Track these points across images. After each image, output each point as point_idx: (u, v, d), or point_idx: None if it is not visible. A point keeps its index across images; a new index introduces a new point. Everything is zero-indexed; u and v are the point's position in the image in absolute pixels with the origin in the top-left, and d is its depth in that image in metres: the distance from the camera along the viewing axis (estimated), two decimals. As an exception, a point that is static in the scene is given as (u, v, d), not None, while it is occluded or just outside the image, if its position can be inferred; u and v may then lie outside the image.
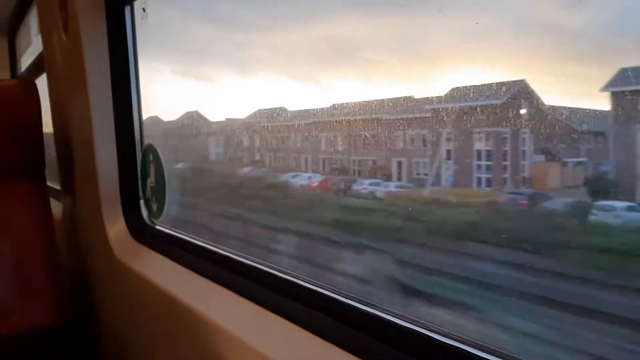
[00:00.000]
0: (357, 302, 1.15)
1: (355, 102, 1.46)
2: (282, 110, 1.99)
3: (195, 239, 1.77)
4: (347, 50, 1.45)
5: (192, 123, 2.47)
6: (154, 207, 1.91)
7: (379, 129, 1.46)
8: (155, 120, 2.49)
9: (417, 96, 1.29)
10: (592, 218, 1.09)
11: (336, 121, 1.64)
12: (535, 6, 0.96)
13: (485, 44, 0.99)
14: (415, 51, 1.19)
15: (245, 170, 2.30)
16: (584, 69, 0.92)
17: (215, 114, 2.35)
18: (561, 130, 1.09)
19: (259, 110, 2.10)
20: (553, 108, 1.05)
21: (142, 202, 2.02)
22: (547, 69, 0.96)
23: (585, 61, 0.90)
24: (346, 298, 1.18)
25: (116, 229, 1.99)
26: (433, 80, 1.18)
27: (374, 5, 1.28)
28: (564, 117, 1.05)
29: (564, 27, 0.93)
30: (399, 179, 1.50)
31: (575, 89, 0.98)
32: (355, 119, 1.53)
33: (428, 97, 1.27)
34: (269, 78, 1.94)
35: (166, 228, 1.94)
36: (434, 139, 1.36)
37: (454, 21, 1.03)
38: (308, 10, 1.60)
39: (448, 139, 1.33)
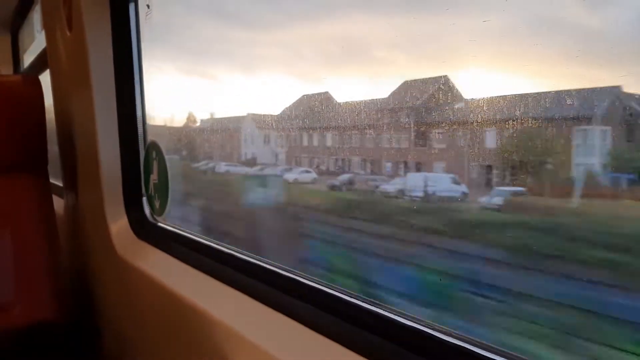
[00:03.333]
0: (359, 300, 1.15)
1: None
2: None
3: (197, 237, 1.77)
4: (356, 49, 1.44)
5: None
6: (157, 204, 1.91)
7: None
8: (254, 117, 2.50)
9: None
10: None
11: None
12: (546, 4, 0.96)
13: (494, 42, 0.99)
14: (424, 50, 1.19)
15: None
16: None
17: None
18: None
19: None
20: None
21: (144, 199, 2.02)
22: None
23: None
24: (348, 296, 1.18)
25: (118, 225, 1.99)
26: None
27: (383, 4, 1.27)
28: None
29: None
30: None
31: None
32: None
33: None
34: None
35: (168, 225, 1.94)
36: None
37: (463, 20, 1.03)
38: (317, 8, 1.60)
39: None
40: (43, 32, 2.59)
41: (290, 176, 2.26)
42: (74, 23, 1.99)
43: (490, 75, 1.07)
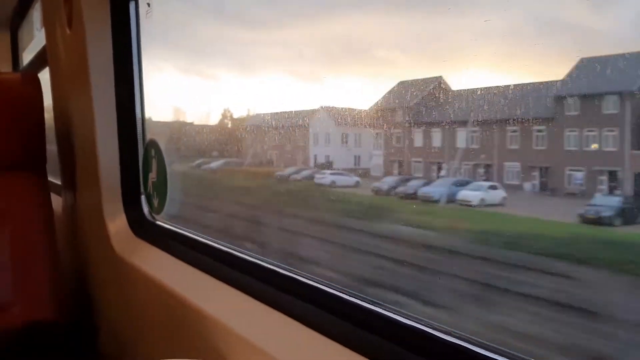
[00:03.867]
0: (359, 299, 1.15)
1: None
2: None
3: (195, 235, 1.77)
4: (357, 48, 1.42)
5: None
6: (155, 202, 1.91)
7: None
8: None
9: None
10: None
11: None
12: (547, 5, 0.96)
13: (495, 41, 0.99)
14: (425, 50, 1.18)
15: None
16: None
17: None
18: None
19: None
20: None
21: (143, 197, 2.02)
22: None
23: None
24: (347, 295, 1.17)
25: (117, 224, 1.98)
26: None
27: (384, 3, 1.27)
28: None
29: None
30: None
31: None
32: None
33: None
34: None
35: (167, 224, 1.94)
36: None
37: (464, 19, 1.03)
38: (317, 7, 1.59)
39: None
40: (42, 30, 2.59)
41: (471, 195, 1.47)
42: (74, 21, 1.99)
43: (491, 75, 1.06)
